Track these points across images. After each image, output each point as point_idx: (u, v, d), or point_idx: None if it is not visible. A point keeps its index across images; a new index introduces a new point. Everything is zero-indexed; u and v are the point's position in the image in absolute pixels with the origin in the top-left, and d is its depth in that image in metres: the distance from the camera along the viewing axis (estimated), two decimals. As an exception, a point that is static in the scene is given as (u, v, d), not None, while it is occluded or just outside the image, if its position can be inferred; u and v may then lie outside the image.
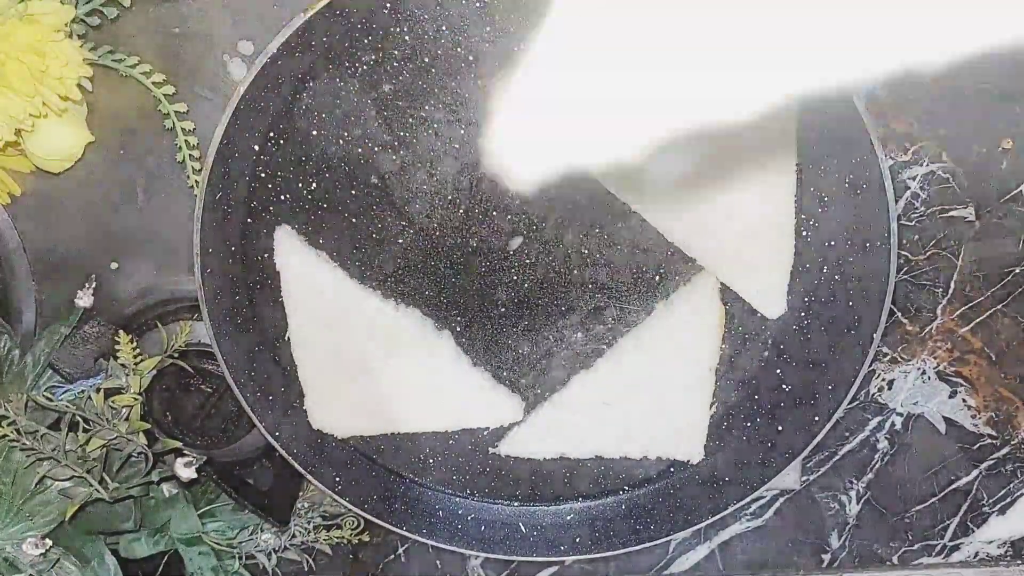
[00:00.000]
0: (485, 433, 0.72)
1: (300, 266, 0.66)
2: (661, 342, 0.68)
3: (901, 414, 0.74)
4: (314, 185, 0.66)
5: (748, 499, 0.68)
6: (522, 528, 0.72)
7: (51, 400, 0.64)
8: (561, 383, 0.70)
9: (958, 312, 0.72)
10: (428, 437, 0.71)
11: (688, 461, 0.71)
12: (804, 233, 0.66)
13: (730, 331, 0.69)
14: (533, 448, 0.71)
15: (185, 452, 0.68)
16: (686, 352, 0.68)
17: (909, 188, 0.69)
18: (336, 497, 0.69)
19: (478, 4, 0.62)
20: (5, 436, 0.61)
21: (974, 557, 0.77)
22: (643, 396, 0.69)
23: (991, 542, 0.77)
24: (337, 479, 0.69)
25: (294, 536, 0.76)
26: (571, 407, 0.70)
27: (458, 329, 0.69)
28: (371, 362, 0.68)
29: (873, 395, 0.74)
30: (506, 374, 0.70)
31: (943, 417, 0.74)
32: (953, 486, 0.76)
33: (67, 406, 0.63)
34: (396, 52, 0.63)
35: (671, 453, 0.71)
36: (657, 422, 0.70)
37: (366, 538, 0.77)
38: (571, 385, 0.70)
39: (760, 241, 0.65)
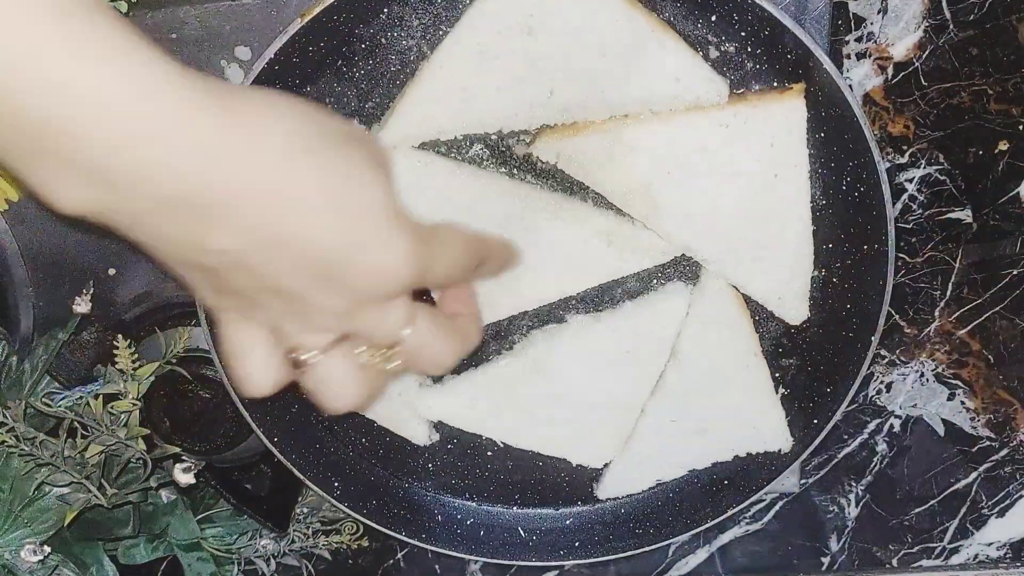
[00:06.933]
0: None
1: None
2: (695, 346, 0.66)
3: (900, 417, 0.74)
4: (312, 190, 0.66)
5: (747, 502, 0.69)
6: (521, 532, 0.72)
7: (50, 406, 0.64)
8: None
9: (956, 314, 0.72)
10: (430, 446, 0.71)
11: (779, 450, 0.69)
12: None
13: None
14: (631, 487, 0.71)
15: (184, 458, 0.68)
16: (723, 347, 0.66)
17: (906, 190, 0.69)
18: (335, 502, 0.69)
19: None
20: (4, 442, 0.61)
21: (973, 559, 0.77)
22: (705, 402, 0.67)
23: (990, 544, 0.77)
24: (336, 484, 0.69)
25: (293, 541, 0.76)
26: (645, 436, 0.69)
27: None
28: None
29: (872, 398, 0.74)
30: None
31: (942, 419, 0.74)
32: (952, 488, 0.76)
33: (66, 412, 0.63)
34: (393, 57, 0.63)
35: (758, 447, 0.69)
36: (731, 421, 0.68)
37: (365, 543, 0.77)
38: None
39: (778, 247, 0.64)
